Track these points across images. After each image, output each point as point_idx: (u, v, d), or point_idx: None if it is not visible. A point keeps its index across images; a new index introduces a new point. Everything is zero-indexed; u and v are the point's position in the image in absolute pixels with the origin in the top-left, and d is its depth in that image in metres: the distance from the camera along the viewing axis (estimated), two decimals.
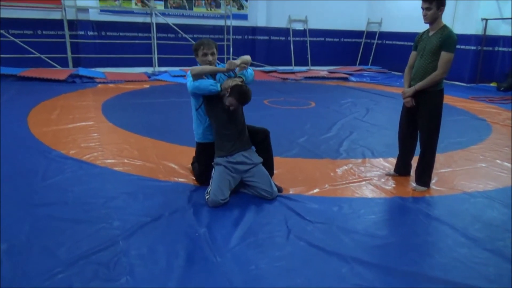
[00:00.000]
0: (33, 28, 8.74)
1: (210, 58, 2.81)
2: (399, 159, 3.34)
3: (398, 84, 9.24)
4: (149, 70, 9.66)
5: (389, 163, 3.68)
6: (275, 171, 3.20)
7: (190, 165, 3.38)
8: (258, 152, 3.08)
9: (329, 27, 11.84)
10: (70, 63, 8.93)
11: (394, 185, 3.19)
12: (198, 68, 2.76)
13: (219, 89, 2.75)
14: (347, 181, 3.24)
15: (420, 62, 2.97)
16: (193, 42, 9.46)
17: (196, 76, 2.75)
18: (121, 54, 9.44)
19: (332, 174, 3.40)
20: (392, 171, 3.41)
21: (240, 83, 2.75)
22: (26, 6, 8.44)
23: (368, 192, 3.06)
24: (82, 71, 8.35)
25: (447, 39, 2.81)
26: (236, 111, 2.79)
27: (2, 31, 8.36)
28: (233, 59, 10.63)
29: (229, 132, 2.80)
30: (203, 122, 2.98)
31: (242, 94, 2.72)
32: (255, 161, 2.85)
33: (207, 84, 2.75)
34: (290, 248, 2.25)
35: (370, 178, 3.31)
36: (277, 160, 3.35)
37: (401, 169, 3.34)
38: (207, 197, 2.69)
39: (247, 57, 2.91)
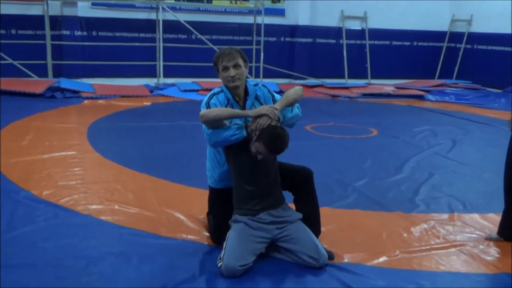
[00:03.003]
0: (5, 27, 9.27)
1: (232, 73, 2.82)
2: (506, 216, 3.21)
3: (497, 106, 9.06)
4: (151, 82, 9.96)
5: (489, 222, 3.55)
6: (322, 229, 3.13)
7: (204, 216, 3.35)
8: (297, 201, 3.05)
9: (397, 26, 11.88)
10: (50, 72, 9.35)
11: (498, 255, 3.06)
12: (210, 113, 2.68)
13: (244, 134, 2.72)
14: (427, 247, 3.13)
15: None
16: (211, 46, 9.74)
17: (209, 124, 2.71)
18: (116, 61, 9.81)
19: (405, 235, 3.30)
20: (494, 233, 3.28)
21: (273, 123, 2.67)
22: None
23: (459, 264, 2.94)
24: (65, 83, 8.71)
25: None
26: (265, 161, 2.76)
27: None
28: (265, 70, 11.01)
29: (254, 188, 2.79)
30: (220, 164, 2.98)
31: (274, 139, 2.63)
32: (289, 219, 2.82)
33: (227, 136, 2.71)
34: None
35: (462, 244, 3.19)
36: (325, 213, 3.28)
37: (508, 232, 3.19)
38: (219, 264, 2.66)
39: (296, 93, 2.85)
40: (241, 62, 2.85)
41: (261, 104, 2.91)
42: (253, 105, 2.90)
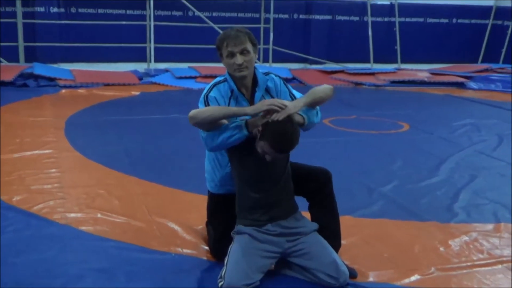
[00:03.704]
0: None
1: (239, 60, 2.80)
2: None
3: None
4: (141, 67, 10.00)
5: None
6: (343, 241, 3.13)
7: (203, 226, 3.36)
8: (313, 208, 3.04)
9: (432, 0, 11.83)
10: (22, 56, 9.41)
11: None
12: (200, 114, 2.66)
13: (245, 133, 2.70)
14: (469, 263, 3.12)
15: None
16: (211, 25, 9.75)
17: (202, 126, 2.70)
18: (99, 43, 9.87)
19: (442, 249, 3.29)
20: None
21: (281, 105, 2.63)
22: None
23: (507, 284, 2.92)
24: (39, 69, 8.76)
25: None
26: (274, 164, 2.75)
27: None
28: (276, 53, 10.92)
29: (260, 195, 2.78)
30: (222, 166, 2.97)
31: (279, 137, 2.59)
32: (303, 230, 2.81)
33: (223, 139, 2.69)
34: None
35: (510, 259, 3.17)
36: (346, 223, 3.28)
37: None
38: (220, 283, 2.66)
39: (325, 91, 2.83)
40: (249, 47, 2.82)
41: (272, 96, 2.90)
42: (262, 98, 2.89)
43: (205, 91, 2.88)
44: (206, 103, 2.81)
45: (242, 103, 2.87)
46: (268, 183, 2.79)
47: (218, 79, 2.94)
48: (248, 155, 2.75)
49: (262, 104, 2.67)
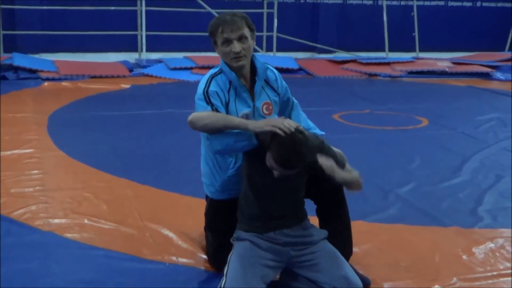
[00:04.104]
0: None
1: (237, 47, 2.79)
2: None
3: None
4: (131, 57, 10.00)
5: None
6: (355, 249, 3.13)
7: (200, 232, 3.36)
8: (322, 213, 3.03)
9: None
10: (0, 46, 9.40)
11: None
12: (198, 120, 2.67)
13: (255, 142, 2.69)
14: (494, 273, 3.11)
15: None
16: (208, 10, 9.75)
17: (204, 129, 2.71)
18: (85, 30, 9.86)
19: (465, 257, 3.28)
20: None
21: (290, 127, 2.55)
22: None
23: None
24: (19, 60, 8.75)
25: None
26: (290, 177, 2.68)
27: None
28: (280, 40, 10.89)
29: (267, 205, 2.75)
30: (223, 169, 2.94)
31: (284, 149, 2.52)
32: (311, 239, 2.78)
33: (229, 143, 2.69)
34: None
35: None
36: (358, 228, 3.28)
37: None
38: None
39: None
40: (247, 32, 2.81)
41: (274, 90, 2.91)
42: (262, 90, 2.89)
43: (202, 85, 2.85)
44: (207, 100, 2.78)
45: (242, 95, 2.85)
46: (278, 196, 2.76)
47: (212, 71, 2.92)
48: (257, 163, 2.70)
49: (267, 123, 2.61)
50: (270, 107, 2.91)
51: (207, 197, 3.11)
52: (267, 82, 2.93)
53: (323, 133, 2.99)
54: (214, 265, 3.04)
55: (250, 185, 2.79)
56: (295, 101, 3.11)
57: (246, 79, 2.90)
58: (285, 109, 3.05)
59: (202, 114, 2.73)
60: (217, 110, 2.75)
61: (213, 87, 2.82)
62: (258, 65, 2.89)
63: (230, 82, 2.85)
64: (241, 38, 2.79)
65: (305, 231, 2.83)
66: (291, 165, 2.55)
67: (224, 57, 2.84)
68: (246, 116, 2.81)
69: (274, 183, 2.71)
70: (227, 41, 2.79)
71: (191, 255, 3.19)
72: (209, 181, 3.02)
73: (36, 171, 4.46)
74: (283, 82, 3.01)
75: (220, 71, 2.87)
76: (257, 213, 2.79)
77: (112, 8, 10.04)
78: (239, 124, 2.67)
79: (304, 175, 2.76)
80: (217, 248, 3.01)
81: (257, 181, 2.77)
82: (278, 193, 2.76)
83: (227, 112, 2.79)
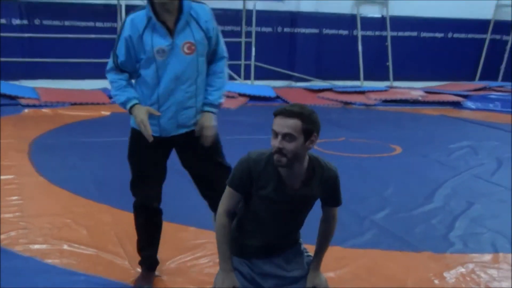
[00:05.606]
0: None
1: None
2: None
3: None
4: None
5: None
6: (331, 275, 3.17)
7: (179, 259, 3.37)
8: None
9: (426, 13, 12.04)
10: None
11: None
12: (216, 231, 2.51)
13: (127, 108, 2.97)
14: None
15: None
16: None
17: None
18: (66, 58, 9.83)
19: (436, 281, 3.32)
20: None
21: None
22: None
23: None
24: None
25: None
26: (295, 216, 2.56)
27: None
28: (258, 69, 10.81)
29: (262, 239, 2.56)
30: (150, 87, 2.91)
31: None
32: (294, 274, 2.57)
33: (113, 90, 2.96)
34: None
35: None
36: (335, 254, 3.30)
37: None
38: None
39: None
40: None
41: (200, 27, 2.85)
42: (187, 28, 2.82)
43: (117, 33, 2.92)
44: (115, 58, 2.94)
45: (160, 32, 2.79)
46: (277, 233, 2.58)
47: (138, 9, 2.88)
48: (265, 198, 2.49)
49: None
50: (193, 47, 2.84)
51: (131, 129, 3.11)
52: (197, 21, 2.86)
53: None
54: (133, 194, 3.13)
55: (248, 217, 2.57)
56: (226, 55, 3.09)
57: (173, 15, 2.80)
58: (212, 58, 3.01)
59: (216, 227, 2.54)
60: (121, 70, 2.94)
61: (126, 31, 2.82)
62: (184, 3, 2.82)
63: (148, 19, 2.79)
64: None
65: (295, 262, 2.63)
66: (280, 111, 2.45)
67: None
68: (162, 51, 2.79)
69: (279, 221, 2.55)
70: None
71: (172, 281, 3.19)
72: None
73: (15, 197, 4.43)
74: (215, 25, 2.96)
75: (143, 7, 2.82)
76: (248, 240, 2.58)
77: (93, 36, 10.04)
78: (222, 260, 2.50)
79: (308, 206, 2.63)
80: (136, 180, 3.09)
81: (258, 217, 2.54)
82: (280, 231, 2.58)
83: (142, 43, 2.80)
